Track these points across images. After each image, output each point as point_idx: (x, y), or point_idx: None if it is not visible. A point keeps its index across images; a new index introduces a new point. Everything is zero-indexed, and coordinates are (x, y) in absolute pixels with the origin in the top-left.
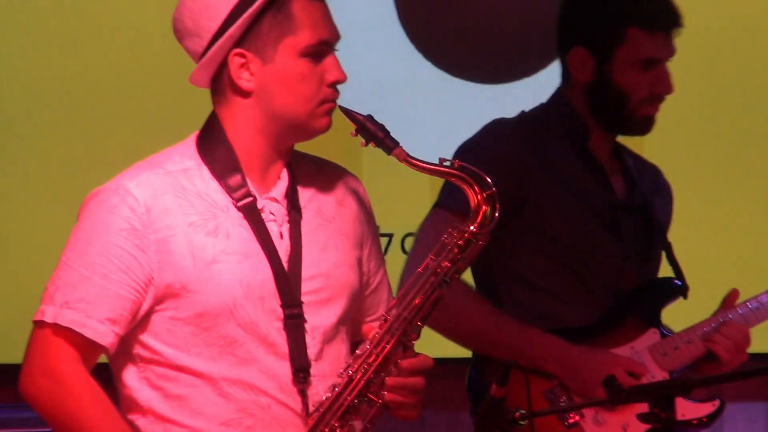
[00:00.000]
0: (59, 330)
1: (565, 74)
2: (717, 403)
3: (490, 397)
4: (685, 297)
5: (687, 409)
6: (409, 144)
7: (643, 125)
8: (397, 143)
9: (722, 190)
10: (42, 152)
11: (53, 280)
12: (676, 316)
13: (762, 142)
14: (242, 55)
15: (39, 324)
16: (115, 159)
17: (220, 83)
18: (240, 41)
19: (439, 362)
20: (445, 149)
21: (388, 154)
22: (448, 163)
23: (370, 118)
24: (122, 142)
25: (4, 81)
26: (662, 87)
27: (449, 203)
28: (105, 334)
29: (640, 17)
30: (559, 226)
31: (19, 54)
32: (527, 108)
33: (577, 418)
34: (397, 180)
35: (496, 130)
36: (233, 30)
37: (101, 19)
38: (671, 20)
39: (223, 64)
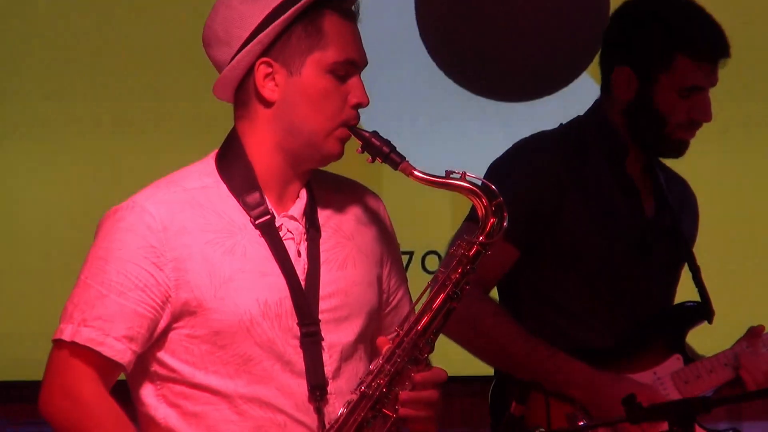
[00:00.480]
0: (77, 349)
1: (605, 89)
2: None
3: (509, 415)
4: (710, 321)
5: None
6: (430, 160)
7: (677, 149)
8: (403, 158)
9: (750, 213)
10: (62, 168)
11: (72, 299)
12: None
13: None
14: (269, 64)
15: (58, 343)
16: (134, 177)
17: (244, 93)
18: (268, 50)
19: (459, 380)
20: (466, 165)
21: (395, 169)
22: (456, 175)
23: (375, 134)
24: (142, 161)
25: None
26: (701, 114)
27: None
28: (122, 352)
29: (689, 47)
30: (587, 247)
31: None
32: (545, 126)
33: None
34: (417, 198)
35: (530, 145)
36: (263, 36)
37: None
38: (719, 52)
39: (249, 74)
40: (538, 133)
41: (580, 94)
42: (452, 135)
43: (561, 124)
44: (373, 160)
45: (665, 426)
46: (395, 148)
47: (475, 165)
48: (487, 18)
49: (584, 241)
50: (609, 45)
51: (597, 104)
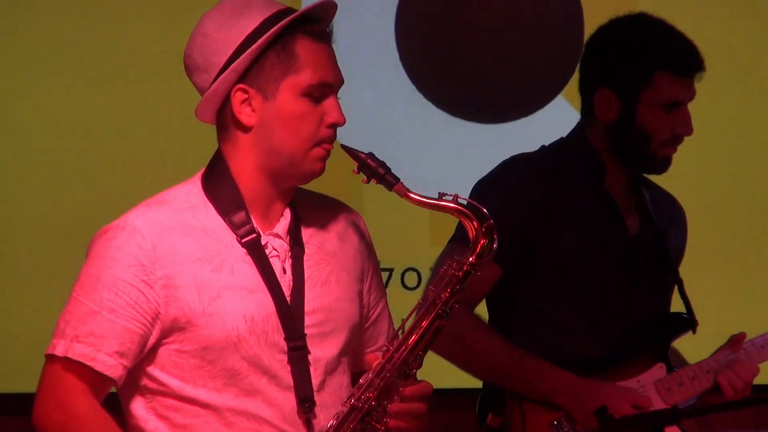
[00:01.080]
0: (70, 363)
1: (587, 112)
2: None
3: (486, 426)
4: (694, 332)
5: None
6: (410, 181)
7: (661, 165)
8: (397, 179)
9: (734, 229)
10: (59, 188)
11: (64, 315)
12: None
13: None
14: (245, 91)
15: (50, 358)
16: (124, 195)
17: (224, 118)
18: (243, 77)
19: (443, 393)
20: (445, 186)
21: (389, 189)
22: (448, 197)
23: (371, 155)
24: (131, 179)
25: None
26: (683, 128)
27: (463, 238)
28: (114, 368)
29: (668, 62)
30: (570, 264)
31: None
32: (520, 147)
33: None
34: (397, 216)
35: (513, 166)
36: (236, 64)
37: (122, 63)
38: (696, 65)
39: (227, 99)
40: (522, 154)
41: (556, 116)
42: (432, 155)
43: (543, 146)
44: (369, 181)
45: None
46: (390, 169)
47: (455, 184)
48: (466, 43)
49: (567, 258)
50: (588, 70)
51: (578, 127)
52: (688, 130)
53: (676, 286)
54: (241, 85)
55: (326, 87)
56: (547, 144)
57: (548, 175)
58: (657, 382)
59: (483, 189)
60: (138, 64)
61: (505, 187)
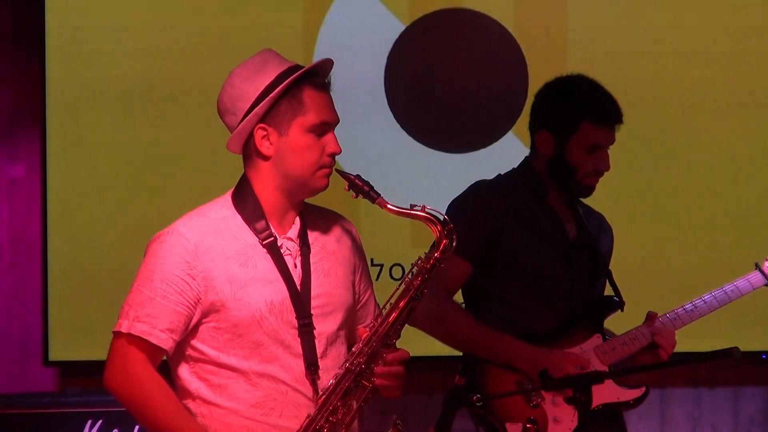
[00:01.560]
0: (132, 338)
1: (533, 147)
2: (643, 389)
3: (454, 386)
4: (622, 310)
5: (621, 394)
6: (394, 197)
7: (585, 191)
8: (378, 194)
9: (651, 230)
10: (127, 207)
11: (127, 301)
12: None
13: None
14: (264, 129)
15: (117, 334)
16: (172, 209)
17: (249, 150)
18: (263, 118)
19: (420, 359)
20: (423, 200)
21: (372, 202)
22: (417, 208)
23: (358, 177)
24: (178, 197)
25: (91, 149)
26: (602, 166)
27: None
28: (166, 341)
29: (591, 114)
30: (524, 259)
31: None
32: (480, 171)
33: (539, 400)
34: (386, 224)
35: (478, 188)
36: (258, 109)
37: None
38: (615, 118)
39: (251, 136)
40: (484, 180)
41: (507, 148)
42: (412, 177)
43: (499, 174)
44: (357, 196)
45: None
46: (373, 187)
47: (430, 199)
48: (439, 90)
49: (520, 255)
50: (534, 114)
51: (526, 159)
52: (607, 167)
53: (607, 278)
54: (261, 125)
55: (326, 125)
56: (502, 171)
57: (504, 194)
58: (596, 348)
59: (456, 205)
60: (179, 106)
61: (472, 203)
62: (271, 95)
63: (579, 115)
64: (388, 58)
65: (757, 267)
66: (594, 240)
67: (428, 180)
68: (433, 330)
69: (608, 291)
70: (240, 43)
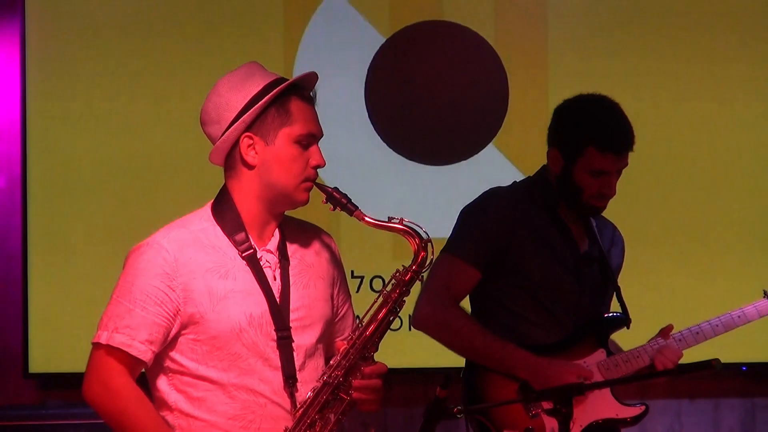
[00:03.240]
0: (111, 349)
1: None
2: (643, 407)
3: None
4: (628, 327)
5: (620, 411)
6: (372, 211)
7: (592, 212)
8: (356, 207)
9: (660, 249)
10: (110, 213)
11: (106, 312)
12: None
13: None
14: (251, 137)
15: (96, 345)
16: (150, 220)
17: (232, 160)
18: (249, 127)
19: (400, 371)
20: (401, 215)
21: (350, 215)
22: (395, 220)
23: (336, 189)
24: (157, 208)
25: (71, 157)
26: (607, 190)
27: (452, 249)
28: (145, 353)
29: (597, 141)
30: (533, 271)
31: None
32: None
33: (538, 410)
34: (367, 237)
35: (492, 196)
36: (246, 116)
37: (148, 117)
38: (622, 146)
39: (235, 145)
40: (498, 187)
41: (487, 160)
42: (393, 189)
43: (515, 181)
44: (334, 209)
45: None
46: (351, 200)
47: (411, 211)
48: (419, 104)
49: (529, 265)
50: (549, 131)
51: (542, 169)
52: (610, 192)
53: (615, 292)
54: (248, 133)
55: (312, 137)
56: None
57: (518, 203)
58: (599, 363)
59: (469, 212)
60: (163, 117)
61: (485, 210)
62: (259, 103)
63: (584, 140)
64: (369, 70)
65: (766, 294)
66: (605, 254)
67: (409, 192)
68: (439, 335)
69: (615, 305)
70: (220, 53)
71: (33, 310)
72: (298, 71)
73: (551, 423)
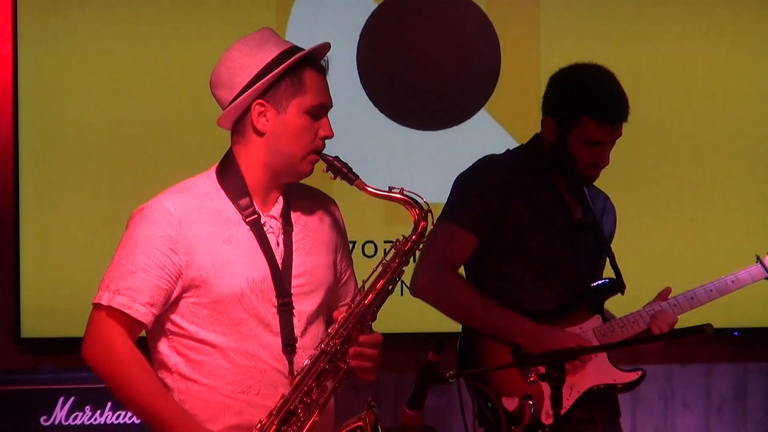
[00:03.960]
0: (112, 311)
1: (542, 128)
2: (640, 372)
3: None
4: (623, 293)
5: (618, 376)
6: (365, 176)
7: (585, 181)
8: (357, 176)
9: (655, 216)
10: (97, 179)
11: (108, 273)
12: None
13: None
14: (263, 105)
15: (96, 306)
16: (152, 183)
17: (241, 125)
18: (262, 95)
19: (392, 336)
20: (394, 181)
21: (351, 184)
22: (396, 190)
23: (337, 158)
24: (150, 172)
25: (63, 125)
26: (601, 161)
27: (449, 216)
28: (146, 315)
29: (592, 111)
30: (529, 238)
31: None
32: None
33: (535, 377)
34: (359, 202)
35: (487, 163)
36: (260, 84)
37: (146, 80)
38: (617, 117)
39: (246, 111)
40: (492, 154)
41: (479, 125)
42: (386, 155)
43: (508, 149)
44: (335, 178)
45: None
46: (351, 169)
47: (402, 177)
48: (411, 69)
49: (525, 233)
50: (544, 99)
51: (535, 137)
52: (604, 162)
53: (609, 259)
54: (260, 100)
55: (323, 108)
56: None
57: (513, 170)
58: (595, 329)
59: (465, 179)
60: (158, 80)
61: (481, 177)
62: (274, 72)
63: (579, 110)
64: (361, 35)
65: (759, 260)
66: (598, 221)
67: (400, 157)
68: (439, 304)
69: (608, 271)
70: (213, 18)
71: (25, 275)
72: (290, 36)
73: (549, 389)
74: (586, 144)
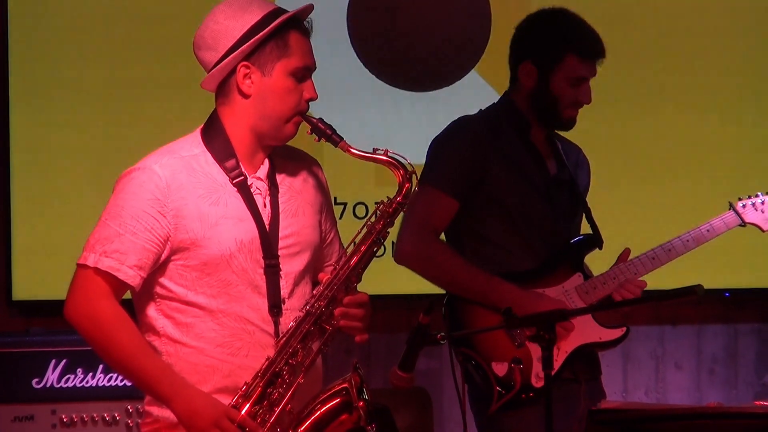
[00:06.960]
0: (98, 272)
1: (513, 81)
2: (624, 329)
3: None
4: (600, 248)
5: (603, 334)
6: (354, 138)
7: (567, 123)
8: (341, 138)
9: (630, 173)
10: (86, 140)
11: (94, 234)
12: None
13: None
14: (248, 67)
15: (82, 266)
16: (138, 145)
17: (226, 87)
18: (248, 57)
19: (383, 297)
20: (384, 142)
21: (335, 146)
22: (380, 152)
23: (321, 120)
24: (144, 132)
25: (53, 86)
26: (584, 98)
27: (429, 180)
28: (134, 277)
29: (577, 47)
30: (508, 197)
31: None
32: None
33: (524, 340)
34: (350, 163)
35: (463, 125)
36: (246, 47)
37: (132, 39)
38: (599, 52)
39: (231, 74)
40: (466, 115)
41: (471, 86)
42: (375, 116)
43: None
44: (319, 140)
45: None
46: (336, 131)
47: (393, 139)
48: (401, 29)
49: (504, 192)
50: (517, 46)
51: (506, 93)
52: (588, 99)
53: (585, 214)
54: (245, 63)
55: (307, 70)
56: (465, 110)
57: (489, 130)
58: (578, 287)
59: (441, 142)
60: (152, 41)
61: (458, 139)
62: (260, 34)
63: (564, 47)
64: None
65: (731, 206)
66: (573, 176)
67: (391, 118)
68: (423, 270)
69: (585, 227)
70: None
71: (16, 237)
72: None
73: (538, 352)
74: (571, 82)
